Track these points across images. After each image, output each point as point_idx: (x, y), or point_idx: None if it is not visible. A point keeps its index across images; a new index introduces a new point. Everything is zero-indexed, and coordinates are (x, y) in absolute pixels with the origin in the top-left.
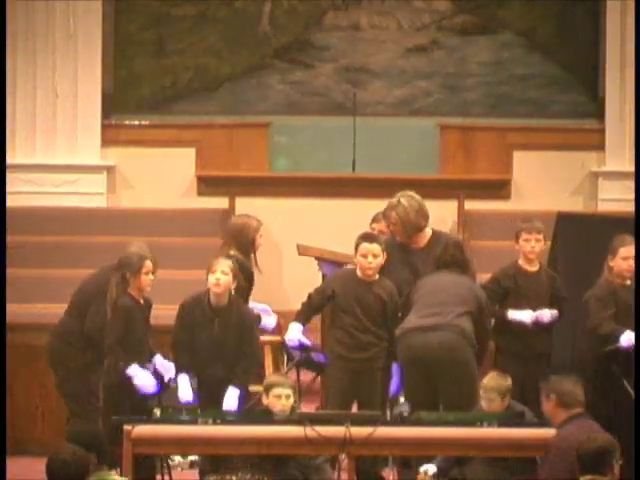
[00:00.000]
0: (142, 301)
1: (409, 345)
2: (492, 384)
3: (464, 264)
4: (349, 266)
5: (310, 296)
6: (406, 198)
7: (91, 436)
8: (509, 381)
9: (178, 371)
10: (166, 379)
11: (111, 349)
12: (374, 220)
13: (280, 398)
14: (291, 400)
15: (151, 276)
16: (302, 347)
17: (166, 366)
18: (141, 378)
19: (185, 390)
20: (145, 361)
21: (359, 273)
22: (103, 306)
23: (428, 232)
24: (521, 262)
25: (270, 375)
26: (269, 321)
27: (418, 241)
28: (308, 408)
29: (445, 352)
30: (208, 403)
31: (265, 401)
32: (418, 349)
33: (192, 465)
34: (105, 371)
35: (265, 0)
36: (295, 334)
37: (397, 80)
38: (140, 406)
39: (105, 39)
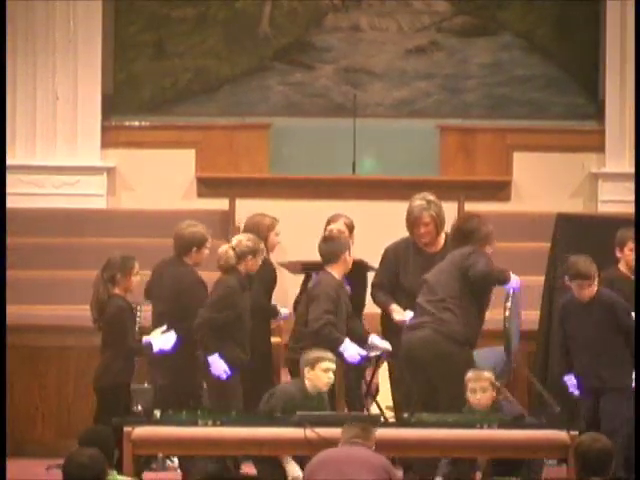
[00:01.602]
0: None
1: (402, 343)
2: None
3: (468, 234)
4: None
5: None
6: (432, 197)
7: (102, 438)
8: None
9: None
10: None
11: (130, 348)
12: (331, 221)
13: (327, 372)
14: (332, 376)
15: (138, 277)
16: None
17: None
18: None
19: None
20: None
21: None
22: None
23: (442, 236)
24: (623, 269)
25: (309, 352)
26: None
27: (436, 244)
28: None
29: (424, 349)
30: None
31: (308, 374)
32: (404, 347)
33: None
34: (106, 371)
35: (265, 1)
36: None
37: (397, 81)
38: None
39: (105, 41)
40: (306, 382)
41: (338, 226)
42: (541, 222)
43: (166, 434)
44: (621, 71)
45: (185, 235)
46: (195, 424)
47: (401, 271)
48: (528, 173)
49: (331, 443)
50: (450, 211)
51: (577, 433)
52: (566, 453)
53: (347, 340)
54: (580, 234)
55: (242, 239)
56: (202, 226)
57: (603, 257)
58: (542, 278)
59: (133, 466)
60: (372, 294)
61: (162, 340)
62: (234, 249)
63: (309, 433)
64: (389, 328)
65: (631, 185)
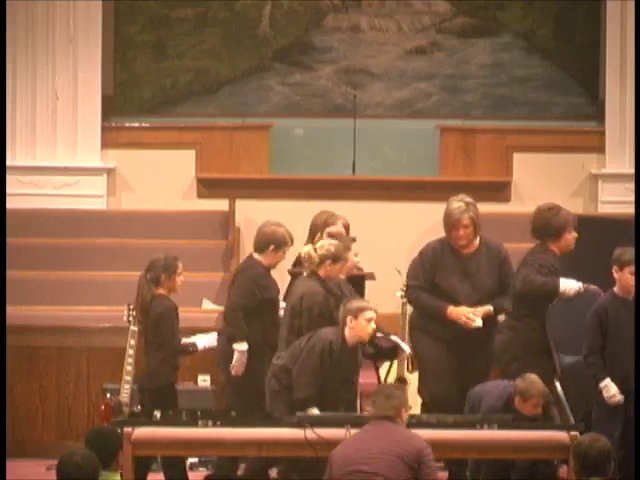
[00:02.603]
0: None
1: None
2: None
3: (539, 228)
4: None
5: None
6: (470, 199)
7: (108, 438)
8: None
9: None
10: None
11: (177, 349)
12: (330, 223)
13: (370, 321)
14: (374, 326)
15: (182, 277)
16: None
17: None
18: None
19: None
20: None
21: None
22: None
23: (477, 237)
24: (618, 292)
25: (352, 301)
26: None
27: (471, 245)
28: None
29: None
30: None
31: (351, 324)
32: None
33: (192, 467)
34: (155, 373)
35: (265, 2)
36: None
37: (397, 82)
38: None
39: (105, 41)
40: (346, 331)
41: (337, 228)
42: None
43: (166, 434)
44: (621, 71)
45: (265, 232)
46: (195, 424)
47: (438, 273)
48: (528, 174)
49: (331, 443)
50: None
51: (577, 433)
52: (566, 453)
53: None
54: (580, 235)
55: (325, 244)
56: (285, 228)
57: (603, 258)
58: None
59: (134, 468)
60: (413, 296)
61: (207, 339)
62: (316, 251)
63: (309, 433)
64: (423, 329)
65: (631, 186)
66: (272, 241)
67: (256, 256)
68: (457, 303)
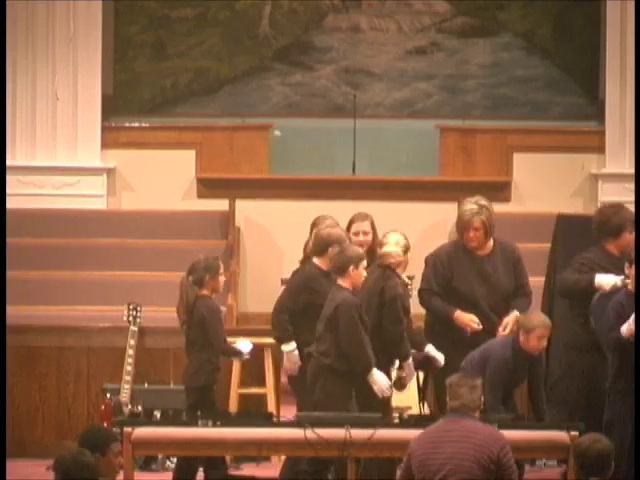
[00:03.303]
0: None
1: None
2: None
3: (597, 227)
4: None
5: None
6: (485, 202)
7: (102, 439)
8: None
9: None
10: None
11: (224, 348)
12: (355, 221)
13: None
14: None
15: (223, 277)
16: None
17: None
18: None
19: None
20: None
21: None
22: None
23: (491, 238)
24: (632, 287)
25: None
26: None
27: (484, 247)
28: None
29: None
30: None
31: (353, 272)
32: None
33: None
34: (199, 371)
35: (265, 2)
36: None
37: (397, 82)
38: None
39: (105, 41)
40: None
41: (363, 227)
42: (541, 223)
43: (166, 434)
44: (621, 71)
45: (322, 235)
46: (195, 424)
47: (455, 275)
48: (528, 174)
49: (332, 444)
50: (450, 212)
51: (577, 433)
52: (566, 453)
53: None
54: (580, 235)
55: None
56: (340, 228)
57: (603, 258)
58: (542, 279)
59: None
60: (424, 300)
61: (246, 344)
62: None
63: (309, 433)
64: (438, 334)
65: (631, 186)
66: (329, 243)
67: (315, 260)
68: (475, 305)
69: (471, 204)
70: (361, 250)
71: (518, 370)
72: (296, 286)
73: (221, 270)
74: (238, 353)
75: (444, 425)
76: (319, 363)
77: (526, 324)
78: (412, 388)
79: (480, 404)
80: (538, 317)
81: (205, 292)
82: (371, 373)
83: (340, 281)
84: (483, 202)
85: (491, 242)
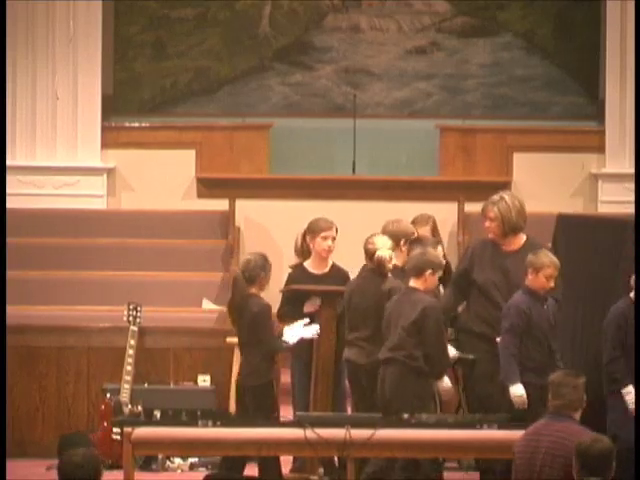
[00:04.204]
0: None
1: None
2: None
3: None
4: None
5: None
6: (509, 195)
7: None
8: None
9: None
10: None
11: (274, 347)
12: (414, 222)
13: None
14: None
15: (270, 275)
16: None
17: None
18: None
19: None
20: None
21: None
22: None
23: (522, 237)
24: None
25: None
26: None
27: (512, 244)
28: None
29: None
30: None
31: (429, 276)
32: None
33: (192, 467)
34: (254, 370)
35: (265, 2)
36: None
37: (397, 82)
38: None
39: (105, 41)
40: None
41: (423, 231)
42: (541, 222)
43: (166, 434)
44: (621, 71)
45: (390, 231)
46: (195, 425)
47: (476, 267)
48: (528, 173)
49: (331, 444)
50: (450, 212)
51: None
52: None
53: None
54: (580, 235)
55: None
56: (405, 221)
57: (603, 258)
58: None
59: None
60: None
61: (295, 331)
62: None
63: (309, 433)
64: (469, 329)
65: (631, 185)
66: (399, 237)
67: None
68: (489, 298)
69: (495, 196)
70: (441, 257)
71: (534, 313)
72: None
73: (270, 270)
74: (286, 345)
75: (543, 427)
76: (406, 366)
77: (535, 263)
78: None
79: (583, 404)
80: (547, 256)
81: (254, 290)
82: (443, 378)
83: (414, 282)
84: (505, 195)
85: (521, 239)
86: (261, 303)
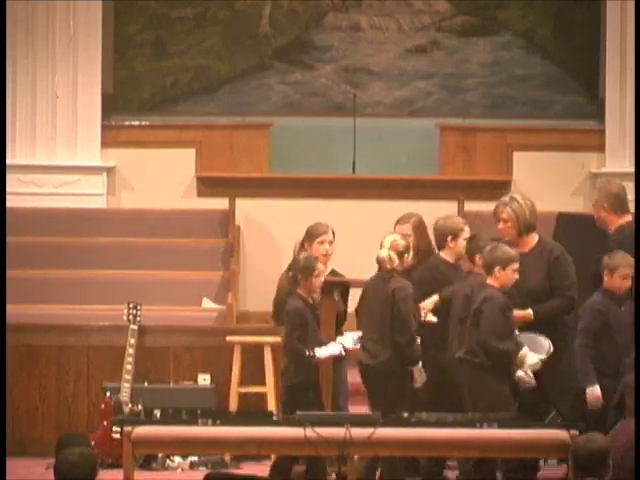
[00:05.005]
0: (311, 301)
1: None
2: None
3: None
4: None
5: None
6: (520, 196)
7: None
8: None
9: None
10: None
11: (292, 349)
12: (398, 222)
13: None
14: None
15: (320, 278)
16: None
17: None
18: (329, 349)
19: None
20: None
21: None
22: None
23: (535, 237)
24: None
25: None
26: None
27: (524, 244)
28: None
29: None
30: None
31: (499, 272)
32: None
33: (192, 466)
34: (285, 371)
35: (265, 1)
36: None
37: (397, 81)
38: (317, 404)
39: (105, 40)
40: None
41: (405, 230)
42: (541, 222)
43: (166, 433)
44: (621, 70)
45: (439, 227)
46: (195, 424)
47: None
48: (528, 173)
49: (331, 443)
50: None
51: (577, 433)
52: (566, 453)
53: None
54: (580, 234)
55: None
56: (455, 217)
57: (603, 257)
58: None
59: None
60: None
61: (332, 349)
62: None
63: (309, 433)
64: None
65: (631, 185)
66: (447, 233)
67: (440, 253)
68: None
69: (505, 197)
70: (513, 252)
71: (610, 315)
72: (423, 278)
73: (316, 272)
74: (306, 357)
75: (625, 426)
76: (472, 365)
77: (609, 264)
78: None
79: None
80: (622, 256)
81: (300, 291)
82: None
83: (489, 279)
84: (517, 196)
85: (533, 240)
86: (294, 304)
